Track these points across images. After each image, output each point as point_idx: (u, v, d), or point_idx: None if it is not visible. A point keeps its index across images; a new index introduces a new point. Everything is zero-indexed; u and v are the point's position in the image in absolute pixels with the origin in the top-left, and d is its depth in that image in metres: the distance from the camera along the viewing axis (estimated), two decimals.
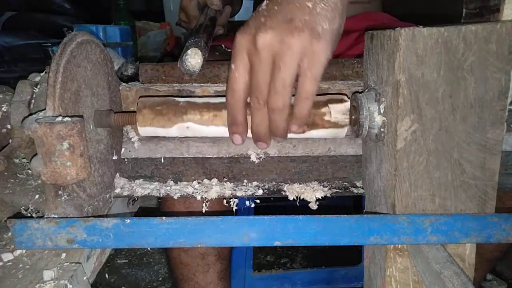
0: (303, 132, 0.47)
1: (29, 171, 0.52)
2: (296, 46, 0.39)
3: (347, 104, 0.47)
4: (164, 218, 0.40)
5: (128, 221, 0.40)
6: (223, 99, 0.47)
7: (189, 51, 0.52)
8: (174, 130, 0.48)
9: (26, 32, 2.06)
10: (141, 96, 0.49)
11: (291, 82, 0.40)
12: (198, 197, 0.53)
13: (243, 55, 0.41)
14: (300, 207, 0.55)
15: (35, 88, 0.50)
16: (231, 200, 0.54)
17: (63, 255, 0.44)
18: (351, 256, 1.29)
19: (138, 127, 0.48)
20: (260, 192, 0.54)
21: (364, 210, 0.55)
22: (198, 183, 0.56)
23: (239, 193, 0.54)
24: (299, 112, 0.43)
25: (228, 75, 0.43)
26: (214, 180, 0.56)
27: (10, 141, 0.50)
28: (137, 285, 1.40)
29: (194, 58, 0.52)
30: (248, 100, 0.43)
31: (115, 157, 0.53)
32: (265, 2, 0.41)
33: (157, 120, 0.47)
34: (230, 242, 0.40)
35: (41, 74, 0.53)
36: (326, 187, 0.55)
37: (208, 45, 0.59)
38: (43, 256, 0.44)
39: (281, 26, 0.39)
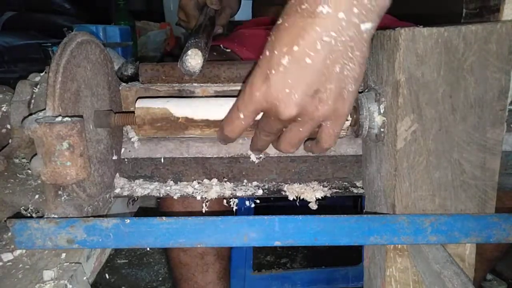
0: None
1: (29, 171, 0.52)
2: (319, 117, 0.38)
3: (347, 122, 0.47)
4: (164, 218, 0.40)
5: (128, 221, 0.40)
6: (223, 106, 0.47)
7: (189, 52, 0.52)
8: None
9: (26, 32, 2.06)
10: (138, 97, 0.49)
11: (306, 137, 0.41)
12: (198, 197, 0.53)
13: (256, 110, 0.40)
14: (300, 207, 0.55)
15: (35, 88, 0.50)
16: (231, 200, 0.54)
17: (63, 255, 0.44)
18: (351, 256, 1.29)
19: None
20: (260, 192, 0.54)
21: (364, 210, 0.55)
22: (198, 183, 0.56)
23: (239, 193, 0.54)
24: (318, 152, 0.45)
25: (233, 110, 0.42)
26: (214, 180, 0.56)
27: (10, 141, 0.50)
28: (137, 285, 1.40)
29: (194, 59, 0.52)
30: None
31: (115, 157, 0.53)
32: (287, 58, 0.35)
33: (160, 134, 0.48)
34: (230, 242, 0.40)
35: (41, 74, 0.53)
36: (326, 187, 0.55)
37: (208, 45, 0.59)
38: (43, 256, 0.44)
39: (306, 101, 0.37)
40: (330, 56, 0.35)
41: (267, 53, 0.37)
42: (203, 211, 0.56)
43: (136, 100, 0.48)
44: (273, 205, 1.42)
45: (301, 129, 0.40)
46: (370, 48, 0.37)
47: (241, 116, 0.41)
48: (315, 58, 0.35)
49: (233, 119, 0.42)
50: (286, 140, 0.42)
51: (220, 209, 0.67)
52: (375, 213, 0.50)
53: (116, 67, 0.63)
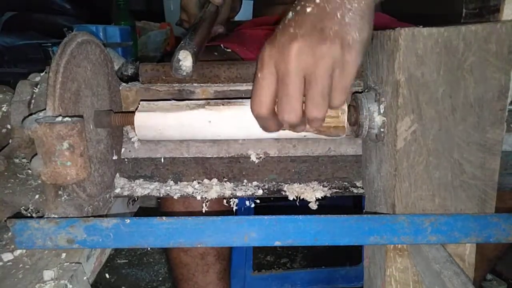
0: None
1: (29, 171, 0.52)
2: (328, 56, 0.38)
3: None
4: (164, 218, 0.40)
5: (128, 221, 0.40)
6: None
7: (179, 56, 0.51)
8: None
9: (26, 32, 2.06)
10: (141, 100, 0.49)
11: (328, 92, 0.40)
12: (198, 197, 0.53)
13: (271, 66, 0.40)
14: (300, 207, 0.55)
15: (35, 88, 0.50)
16: (231, 200, 0.54)
17: (63, 255, 0.44)
18: (351, 256, 1.29)
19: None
20: (260, 192, 0.54)
21: (364, 210, 0.55)
22: (198, 183, 0.56)
23: (239, 193, 0.54)
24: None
25: (254, 87, 0.42)
26: (214, 180, 0.56)
27: (10, 141, 0.50)
28: (137, 285, 1.40)
29: (184, 62, 0.51)
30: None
31: (115, 157, 0.53)
32: (290, 13, 0.40)
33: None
34: (230, 242, 0.40)
35: (41, 74, 0.53)
36: (326, 187, 0.55)
37: (206, 40, 0.58)
38: (43, 256, 0.44)
39: (311, 36, 0.38)
40: (329, 5, 0.38)
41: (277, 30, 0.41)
42: (203, 211, 0.56)
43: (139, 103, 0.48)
44: (273, 205, 1.41)
45: (316, 76, 0.39)
46: (371, 5, 0.39)
47: (260, 78, 0.41)
48: (314, 7, 0.39)
49: (255, 88, 0.42)
50: (312, 105, 0.40)
51: (220, 209, 0.68)
52: (375, 213, 0.50)
53: (116, 67, 0.63)
